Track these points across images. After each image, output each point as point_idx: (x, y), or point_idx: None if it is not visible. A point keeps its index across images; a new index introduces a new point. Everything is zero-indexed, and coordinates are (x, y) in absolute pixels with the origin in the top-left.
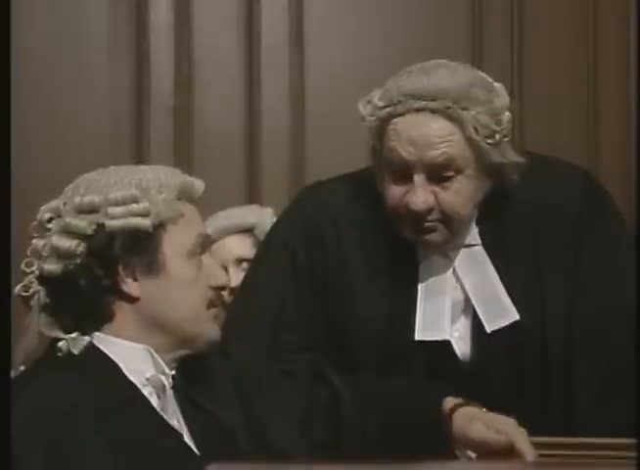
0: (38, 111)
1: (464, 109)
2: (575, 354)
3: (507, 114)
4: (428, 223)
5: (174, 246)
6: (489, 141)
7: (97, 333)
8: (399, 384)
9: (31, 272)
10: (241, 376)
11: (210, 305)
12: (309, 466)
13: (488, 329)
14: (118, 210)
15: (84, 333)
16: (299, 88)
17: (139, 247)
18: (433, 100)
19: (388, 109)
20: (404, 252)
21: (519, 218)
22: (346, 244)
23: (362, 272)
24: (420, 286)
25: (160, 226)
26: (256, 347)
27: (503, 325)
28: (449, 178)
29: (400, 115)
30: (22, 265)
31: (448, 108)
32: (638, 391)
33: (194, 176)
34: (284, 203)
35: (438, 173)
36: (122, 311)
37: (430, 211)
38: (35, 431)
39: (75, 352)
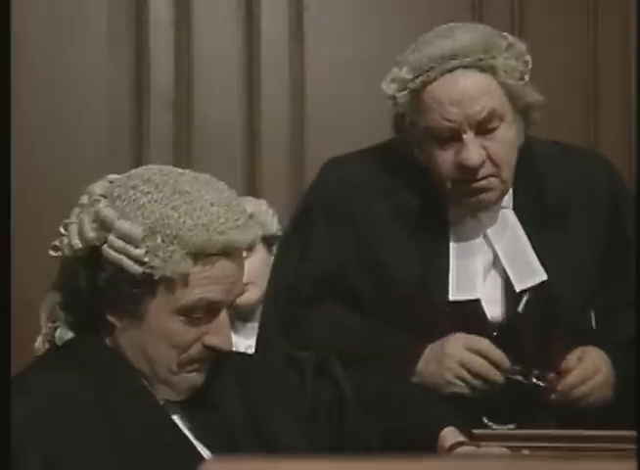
0: (38, 109)
1: (493, 57)
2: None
3: (528, 56)
4: (482, 181)
5: (164, 300)
6: (520, 83)
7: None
8: (401, 388)
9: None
10: (242, 369)
11: (192, 361)
12: (309, 461)
13: (517, 288)
14: (117, 243)
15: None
16: (299, 82)
17: (125, 288)
18: (465, 56)
19: (420, 78)
20: (435, 215)
21: (548, 194)
22: (375, 211)
23: (392, 238)
24: (452, 247)
25: (152, 275)
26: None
27: (532, 285)
28: (494, 129)
29: (434, 80)
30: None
31: (481, 60)
32: (638, 385)
33: (197, 171)
34: (283, 196)
35: (485, 126)
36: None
37: (482, 165)
38: (35, 430)
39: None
